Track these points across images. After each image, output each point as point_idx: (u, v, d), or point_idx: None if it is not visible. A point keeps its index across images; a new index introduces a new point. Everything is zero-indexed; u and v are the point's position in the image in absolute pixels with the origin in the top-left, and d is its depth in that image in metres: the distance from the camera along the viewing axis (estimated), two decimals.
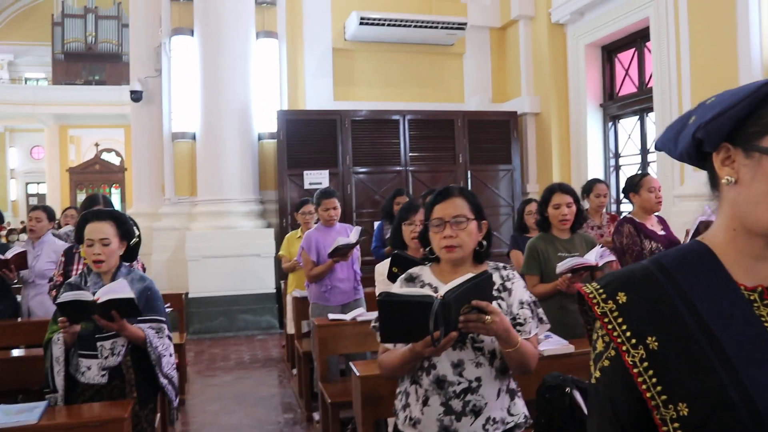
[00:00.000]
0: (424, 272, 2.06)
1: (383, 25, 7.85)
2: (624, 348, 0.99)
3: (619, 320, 1.01)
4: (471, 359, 1.89)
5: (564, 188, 3.43)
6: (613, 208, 7.37)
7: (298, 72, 8.05)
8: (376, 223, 5.74)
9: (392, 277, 3.07)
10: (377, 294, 3.00)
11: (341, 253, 4.24)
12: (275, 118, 7.57)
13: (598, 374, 1.04)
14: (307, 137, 7.54)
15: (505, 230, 8.00)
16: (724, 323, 0.96)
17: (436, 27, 8.05)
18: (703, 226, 3.55)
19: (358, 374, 2.59)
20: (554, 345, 2.81)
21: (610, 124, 7.54)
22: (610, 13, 6.91)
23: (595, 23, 7.19)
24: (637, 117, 7.10)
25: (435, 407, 1.88)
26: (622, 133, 7.49)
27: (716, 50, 5.11)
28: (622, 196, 4.93)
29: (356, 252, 4.54)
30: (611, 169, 7.55)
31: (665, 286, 1.01)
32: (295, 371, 5.26)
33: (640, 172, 4.16)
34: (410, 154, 7.83)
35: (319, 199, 4.52)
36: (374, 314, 3.42)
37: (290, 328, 5.46)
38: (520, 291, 2.02)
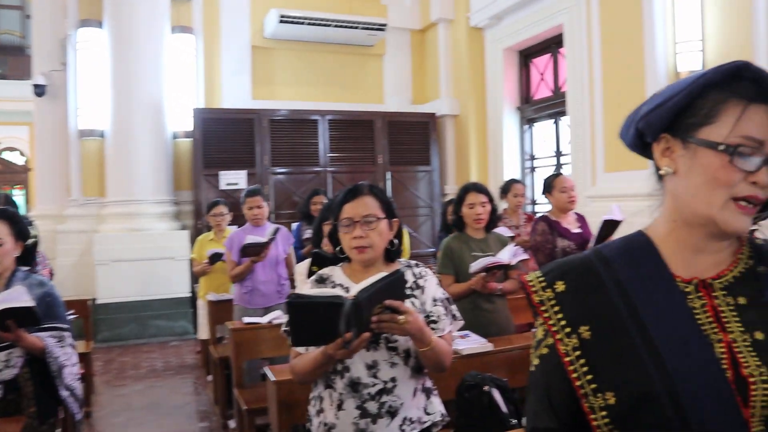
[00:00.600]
0: (335, 273, 2.01)
1: (303, 23, 7.74)
2: (558, 336, 1.00)
3: (556, 309, 1.01)
4: (385, 359, 1.85)
5: (478, 188, 3.44)
6: (529, 208, 7.55)
7: (215, 69, 7.82)
8: (294, 224, 5.63)
9: (311, 276, 3.01)
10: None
11: (252, 252, 4.12)
12: (191, 116, 7.30)
13: (536, 362, 1.05)
14: (223, 136, 7.33)
15: (424, 231, 8.05)
16: (656, 315, 0.96)
17: (356, 27, 8.01)
18: (607, 225, 3.66)
19: (273, 379, 2.49)
20: (473, 344, 2.81)
21: (526, 126, 7.72)
22: (527, 18, 7.07)
23: (513, 28, 7.34)
24: (552, 120, 7.30)
25: (350, 411, 1.83)
26: (537, 136, 7.68)
27: (625, 57, 5.30)
28: (538, 196, 5.04)
29: (281, 254, 4.43)
30: (527, 170, 7.73)
31: (603, 277, 1.01)
32: (210, 378, 5.09)
33: (554, 173, 4.26)
34: (329, 155, 7.75)
35: (244, 198, 4.43)
36: None
37: (203, 333, 5.29)
38: (433, 288, 1.99)
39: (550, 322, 1.01)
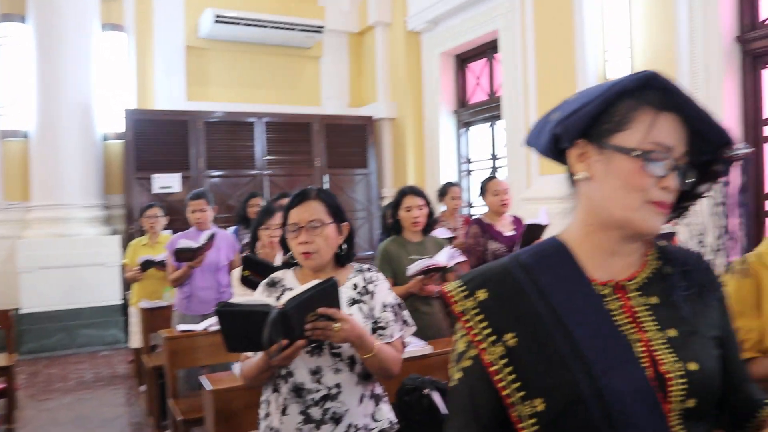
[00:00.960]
0: (287, 276, 1.99)
1: (239, 24, 7.61)
2: (483, 346, 0.99)
3: (479, 318, 1.01)
4: (329, 365, 1.84)
5: (415, 191, 3.45)
6: (467, 211, 7.65)
7: (148, 69, 7.60)
8: (231, 228, 5.53)
9: (245, 281, 2.94)
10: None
11: (184, 257, 4.02)
12: (122, 117, 7.06)
13: (459, 375, 1.03)
14: (157, 138, 7.13)
15: (362, 234, 8.04)
16: (577, 319, 0.98)
17: (294, 29, 7.94)
18: (532, 229, 3.74)
19: (209, 388, 2.43)
20: (412, 347, 2.81)
21: (462, 130, 7.82)
22: (463, 23, 7.17)
23: (449, 33, 7.43)
24: (488, 124, 7.42)
25: (293, 416, 1.82)
26: (473, 139, 7.79)
27: (558, 62, 5.44)
28: (475, 199, 5.10)
29: (222, 261, 4.33)
30: (464, 173, 7.83)
31: (523, 283, 1.02)
32: (143, 388, 4.93)
33: (488, 176, 4.33)
34: (266, 158, 7.65)
35: (188, 201, 4.34)
36: None
37: (135, 342, 5.12)
38: (383, 293, 1.98)
39: (474, 331, 1.00)
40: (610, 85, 1.00)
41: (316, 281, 1.73)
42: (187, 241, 4.06)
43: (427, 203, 3.46)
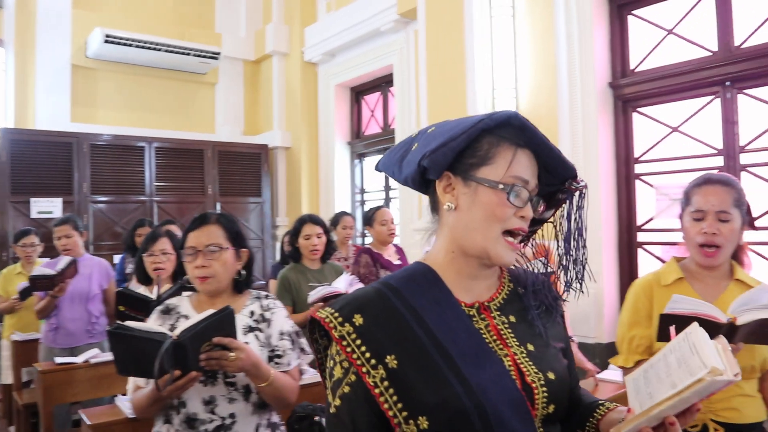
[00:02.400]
0: (183, 303, 1.95)
1: (131, 45, 7.36)
2: (364, 369, 1.01)
3: (358, 342, 1.03)
4: (223, 395, 1.80)
5: (314, 219, 3.50)
6: (359, 241, 7.72)
7: (29, 87, 7.18)
8: (117, 257, 5.29)
9: (120, 317, 2.81)
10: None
11: (41, 285, 3.80)
12: None
13: (338, 402, 1.04)
14: (36, 160, 6.71)
15: (255, 263, 7.90)
16: (452, 337, 1.04)
17: (189, 54, 7.79)
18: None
19: (88, 423, 2.31)
20: (305, 375, 2.80)
21: (356, 161, 7.93)
22: (359, 57, 7.32)
23: (345, 65, 7.56)
24: (381, 155, 7.55)
25: None
26: (367, 170, 7.92)
27: (449, 97, 5.66)
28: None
29: (95, 289, 4.12)
30: (357, 203, 7.92)
31: (397, 306, 1.06)
32: (12, 429, 4.58)
33: (374, 206, 4.43)
34: (156, 184, 7.40)
35: (52, 227, 4.11)
36: (109, 356, 3.12)
37: (6, 378, 4.76)
38: (280, 321, 1.98)
39: (354, 356, 1.02)
40: (474, 122, 1.08)
41: (211, 310, 1.70)
42: (42, 268, 3.84)
43: (326, 231, 3.51)
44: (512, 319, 1.13)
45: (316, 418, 2.36)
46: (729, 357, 1.00)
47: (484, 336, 1.08)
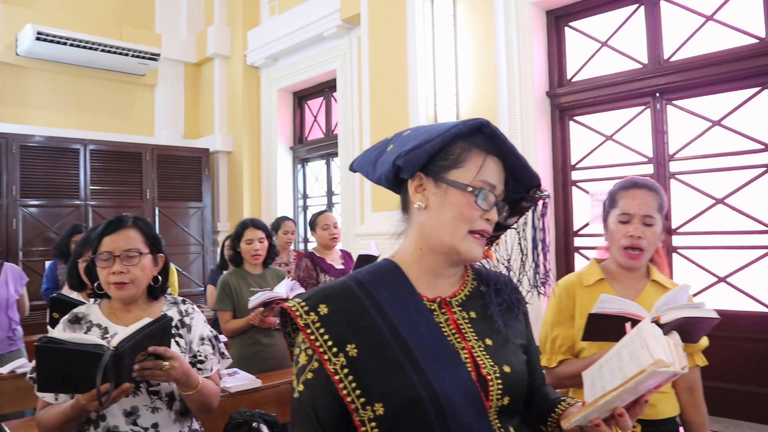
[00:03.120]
0: (92, 311, 1.85)
1: (65, 44, 7.11)
2: (326, 357, 1.06)
3: (321, 330, 1.08)
4: (146, 405, 1.75)
5: (256, 224, 3.47)
6: (302, 246, 7.68)
7: None
8: (48, 263, 5.10)
9: (54, 323, 2.72)
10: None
11: None
12: None
13: (301, 388, 1.09)
14: None
15: (195, 269, 7.77)
16: (411, 329, 1.09)
17: (127, 54, 7.58)
18: (363, 260, 3.91)
19: None
20: (241, 381, 2.77)
21: (299, 166, 7.89)
22: (302, 62, 7.30)
23: (288, 70, 7.52)
24: (324, 161, 7.56)
25: None
26: (310, 175, 7.89)
27: (391, 104, 5.71)
28: (308, 233, 5.16)
29: (12, 295, 3.96)
30: (300, 208, 7.88)
31: (362, 298, 1.12)
32: None
33: (318, 211, 4.43)
34: (91, 187, 7.16)
35: None
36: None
37: None
38: (200, 326, 1.93)
39: (317, 343, 1.07)
40: (448, 127, 1.14)
41: (148, 319, 1.64)
42: None
43: (268, 236, 3.49)
44: (473, 314, 1.18)
45: (254, 425, 2.33)
46: (679, 351, 1.06)
47: (444, 329, 1.13)
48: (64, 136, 7.20)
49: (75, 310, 1.87)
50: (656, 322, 1.59)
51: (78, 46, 7.22)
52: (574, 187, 4.94)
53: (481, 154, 1.15)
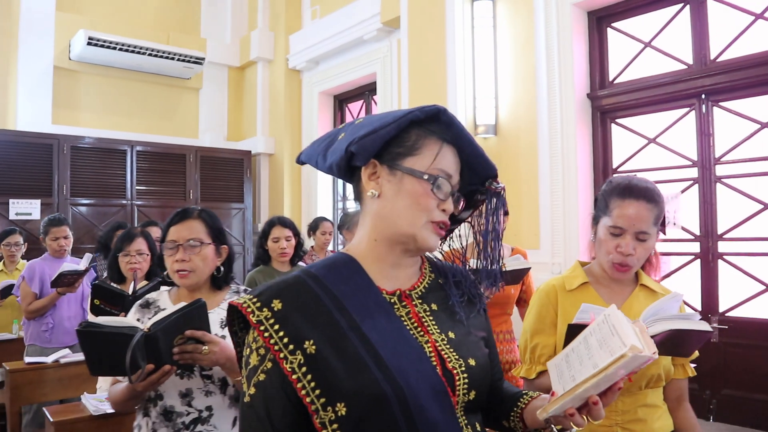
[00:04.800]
0: (162, 297, 1.94)
1: (115, 48, 7.32)
2: (282, 355, 0.99)
3: (276, 327, 1.01)
4: (200, 388, 1.80)
5: (283, 222, 3.49)
6: (340, 247, 7.72)
7: (10, 88, 7.14)
8: (88, 255, 5.24)
9: (95, 310, 2.80)
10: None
11: (67, 282, 3.78)
12: None
13: (252, 391, 1.02)
14: (16, 161, 6.64)
15: (236, 269, 7.87)
16: (372, 325, 1.04)
17: (173, 58, 7.76)
18: None
19: (51, 420, 2.29)
20: None
21: None
22: (343, 65, 7.35)
23: (329, 73, 7.58)
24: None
25: None
26: None
27: None
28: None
29: (86, 288, 4.10)
30: (339, 210, 7.92)
31: (318, 293, 1.06)
32: None
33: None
34: (137, 188, 7.36)
35: (47, 227, 4.07)
36: (80, 356, 3.09)
37: None
38: None
39: (271, 341, 1.00)
40: (403, 114, 1.10)
41: (183, 303, 1.69)
42: (70, 264, 3.84)
43: (296, 234, 3.50)
44: (434, 307, 1.13)
45: None
46: (646, 338, 1.02)
47: (405, 323, 1.08)
48: (112, 137, 7.41)
49: (147, 296, 1.96)
50: None
51: (126, 50, 7.43)
52: None
53: (437, 142, 1.11)
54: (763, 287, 4.04)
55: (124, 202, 7.28)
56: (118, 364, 1.59)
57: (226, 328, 1.84)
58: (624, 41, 4.82)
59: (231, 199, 7.98)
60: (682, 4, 4.46)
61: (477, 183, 1.18)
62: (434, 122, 1.12)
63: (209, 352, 1.69)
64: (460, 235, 1.25)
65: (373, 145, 1.09)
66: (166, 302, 1.92)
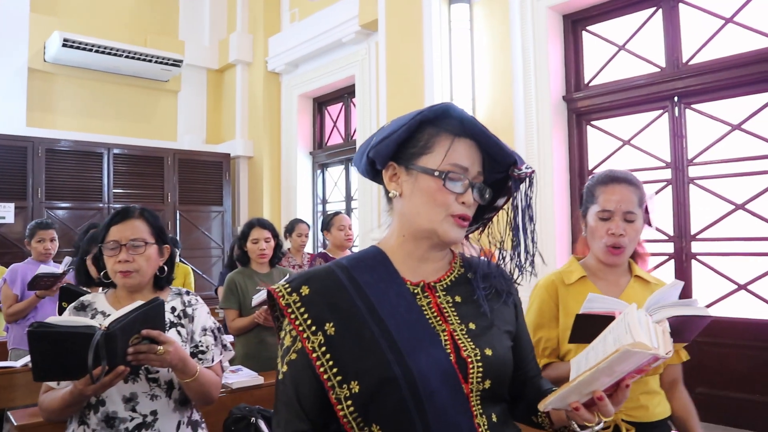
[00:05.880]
0: (98, 299, 1.89)
1: (91, 50, 7.26)
2: (305, 335, 1.09)
3: (302, 310, 1.11)
4: (145, 392, 1.76)
5: (262, 223, 3.49)
6: (321, 249, 7.70)
7: None
8: (66, 260, 5.19)
9: (62, 312, 2.77)
10: None
11: (44, 284, 3.74)
12: None
13: (285, 368, 1.11)
14: None
15: (215, 271, 7.83)
16: (390, 310, 1.10)
17: (150, 61, 7.71)
18: None
19: (15, 423, 2.25)
20: (243, 377, 2.78)
21: (318, 171, 7.92)
22: (322, 68, 7.34)
23: (308, 76, 7.57)
24: (343, 166, 7.58)
25: None
26: (329, 180, 7.92)
27: (408, 108, 5.63)
28: (322, 236, 5.16)
29: None
30: (319, 213, 7.91)
31: (343, 281, 1.14)
32: None
33: (333, 212, 4.46)
34: (114, 191, 7.29)
35: (35, 230, 4.04)
36: None
37: None
38: (203, 317, 1.95)
39: (297, 322, 1.09)
40: (414, 115, 1.15)
41: (140, 302, 1.66)
42: (48, 267, 3.80)
43: (275, 236, 3.50)
44: (458, 299, 1.18)
45: (252, 420, 2.33)
46: (666, 338, 1.04)
47: (425, 312, 1.13)
48: (89, 140, 7.33)
49: (81, 298, 1.91)
50: None
51: (103, 52, 7.37)
52: None
53: (449, 138, 1.15)
54: (736, 287, 4.09)
55: (101, 205, 7.21)
56: (71, 366, 1.53)
57: (172, 329, 1.83)
58: (599, 44, 4.86)
59: (210, 201, 7.94)
60: (654, 8, 4.51)
61: (503, 171, 1.21)
62: (446, 119, 1.16)
63: (164, 352, 1.66)
64: (498, 223, 1.28)
65: (386, 149, 1.16)
66: (104, 304, 1.87)
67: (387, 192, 1.21)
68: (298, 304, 1.11)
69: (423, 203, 1.14)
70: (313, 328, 1.08)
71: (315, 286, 1.13)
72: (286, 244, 5.08)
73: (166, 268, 1.95)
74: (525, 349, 1.26)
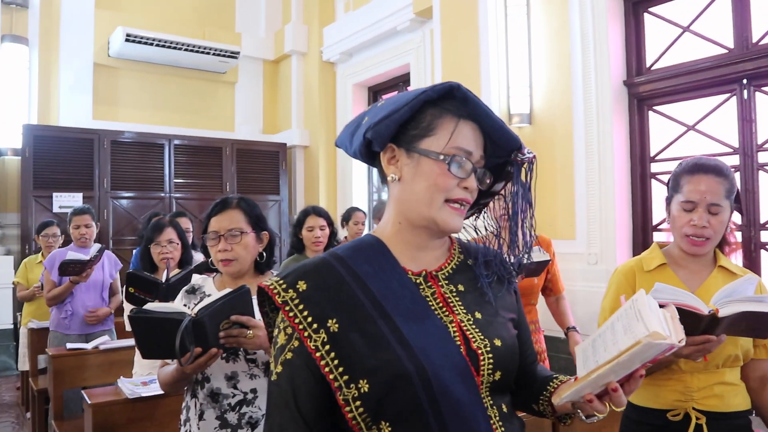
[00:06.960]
0: (207, 283, 2.01)
1: (152, 44, 7.48)
2: (306, 334, 1.01)
3: (300, 307, 1.03)
4: (245, 371, 1.86)
5: (318, 211, 3.52)
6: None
7: (52, 85, 7.32)
8: (135, 250, 5.37)
9: (130, 298, 2.87)
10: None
11: (72, 270, 3.86)
12: (20, 132, 6.77)
13: (279, 369, 1.04)
14: (59, 156, 6.85)
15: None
16: (395, 303, 1.04)
17: (209, 53, 7.89)
18: None
19: (89, 402, 2.35)
20: None
21: None
22: (376, 56, 7.35)
23: (363, 65, 7.59)
24: None
25: (210, 421, 1.83)
26: None
27: None
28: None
29: (107, 278, 4.19)
30: (374, 202, 7.93)
31: (342, 273, 1.06)
32: (29, 415, 4.66)
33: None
34: (175, 180, 7.51)
35: (71, 216, 4.18)
36: (118, 342, 3.18)
37: (23, 365, 4.85)
38: None
39: (296, 320, 1.02)
40: (416, 94, 1.08)
41: (229, 289, 1.75)
42: (75, 253, 3.92)
43: (330, 224, 3.52)
44: (461, 288, 1.13)
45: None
46: (676, 325, 0.99)
47: (430, 303, 1.08)
48: (151, 131, 7.55)
49: (193, 281, 2.03)
50: (714, 315, 1.48)
51: (163, 46, 7.56)
52: (653, 180, 4.74)
53: (453, 120, 1.09)
54: None
55: (163, 194, 7.43)
56: (168, 347, 1.66)
57: None
58: (661, 26, 4.71)
59: (267, 191, 8.08)
60: None
61: (503, 156, 1.15)
62: (449, 100, 1.10)
63: (253, 336, 1.74)
64: (494, 208, 1.24)
65: (387, 129, 1.08)
66: (211, 288, 1.97)
67: (381, 176, 1.16)
68: (296, 301, 1.03)
69: (424, 188, 1.07)
70: (315, 325, 1.01)
71: (312, 281, 1.05)
72: (343, 233, 5.12)
73: (265, 253, 2.00)
74: (525, 335, 1.21)
